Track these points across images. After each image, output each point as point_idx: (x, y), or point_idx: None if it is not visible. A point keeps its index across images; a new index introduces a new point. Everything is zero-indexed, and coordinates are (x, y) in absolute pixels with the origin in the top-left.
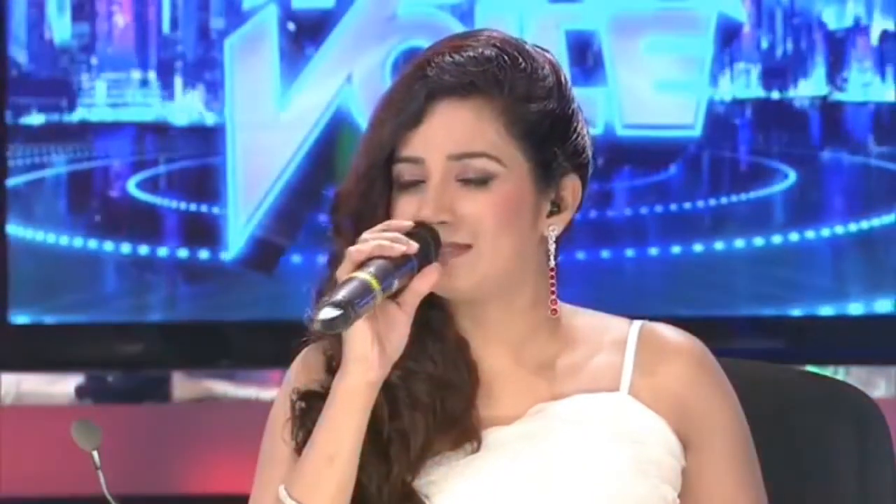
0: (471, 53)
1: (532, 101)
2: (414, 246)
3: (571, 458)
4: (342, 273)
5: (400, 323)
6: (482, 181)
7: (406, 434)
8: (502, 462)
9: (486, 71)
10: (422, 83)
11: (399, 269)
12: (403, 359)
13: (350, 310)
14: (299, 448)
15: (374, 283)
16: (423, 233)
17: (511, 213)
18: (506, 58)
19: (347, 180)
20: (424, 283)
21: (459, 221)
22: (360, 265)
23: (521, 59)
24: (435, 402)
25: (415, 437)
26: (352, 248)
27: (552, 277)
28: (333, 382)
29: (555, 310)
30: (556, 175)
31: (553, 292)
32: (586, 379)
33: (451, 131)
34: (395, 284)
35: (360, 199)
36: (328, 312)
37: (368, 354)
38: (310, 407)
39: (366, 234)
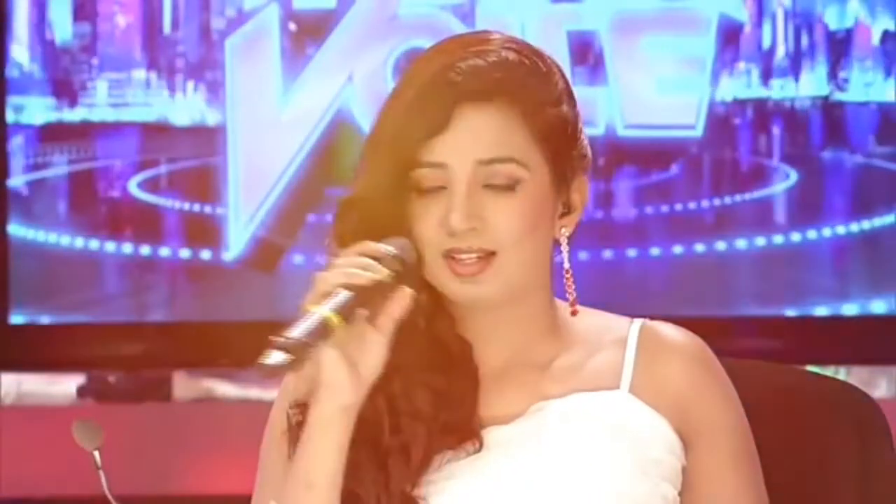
0: (494, 58)
1: (550, 105)
2: (384, 272)
3: (571, 456)
4: (307, 303)
5: (375, 345)
6: (509, 186)
7: (407, 445)
8: (501, 461)
9: (513, 76)
10: (447, 88)
11: (368, 297)
12: (405, 368)
13: (301, 351)
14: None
15: (334, 319)
16: (398, 255)
17: (535, 218)
18: (527, 62)
19: (363, 188)
20: (397, 307)
21: (487, 227)
22: (327, 294)
23: (539, 63)
24: (437, 412)
25: (415, 448)
26: (319, 276)
27: (568, 279)
28: (310, 409)
29: (574, 311)
30: (569, 177)
31: (572, 293)
32: (586, 377)
33: (479, 136)
34: (363, 313)
35: (382, 206)
36: (274, 357)
37: (339, 379)
38: (304, 418)
39: (339, 260)
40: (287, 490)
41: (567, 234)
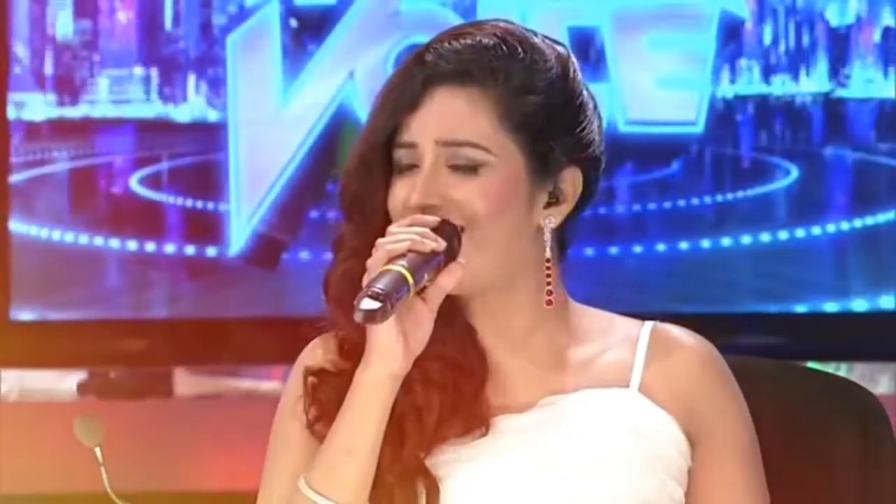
0: (469, 41)
1: (529, 93)
2: (442, 244)
3: (580, 450)
4: (375, 263)
5: (424, 318)
6: (471, 168)
7: (420, 410)
8: (512, 449)
9: (482, 60)
10: (420, 69)
11: (427, 264)
12: None
13: (388, 303)
14: (311, 424)
15: (409, 277)
16: (448, 230)
17: (502, 201)
18: (504, 48)
19: (349, 162)
20: (450, 279)
21: (450, 206)
22: (397, 257)
23: (520, 50)
24: (447, 381)
25: (428, 413)
26: (384, 241)
27: (548, 269)
28: (355, 375)
29: (549, 301)
30: (554, 167)
31: (548, 283)
32: (597, 374)
33: (443, 117)
34: (425, 279)
35: (359, 182)
36: (368, 304)
37: (393, 347)
38: (321, 382)
39: (393, 228)
40: (324, 456)
41: (553, 224)
